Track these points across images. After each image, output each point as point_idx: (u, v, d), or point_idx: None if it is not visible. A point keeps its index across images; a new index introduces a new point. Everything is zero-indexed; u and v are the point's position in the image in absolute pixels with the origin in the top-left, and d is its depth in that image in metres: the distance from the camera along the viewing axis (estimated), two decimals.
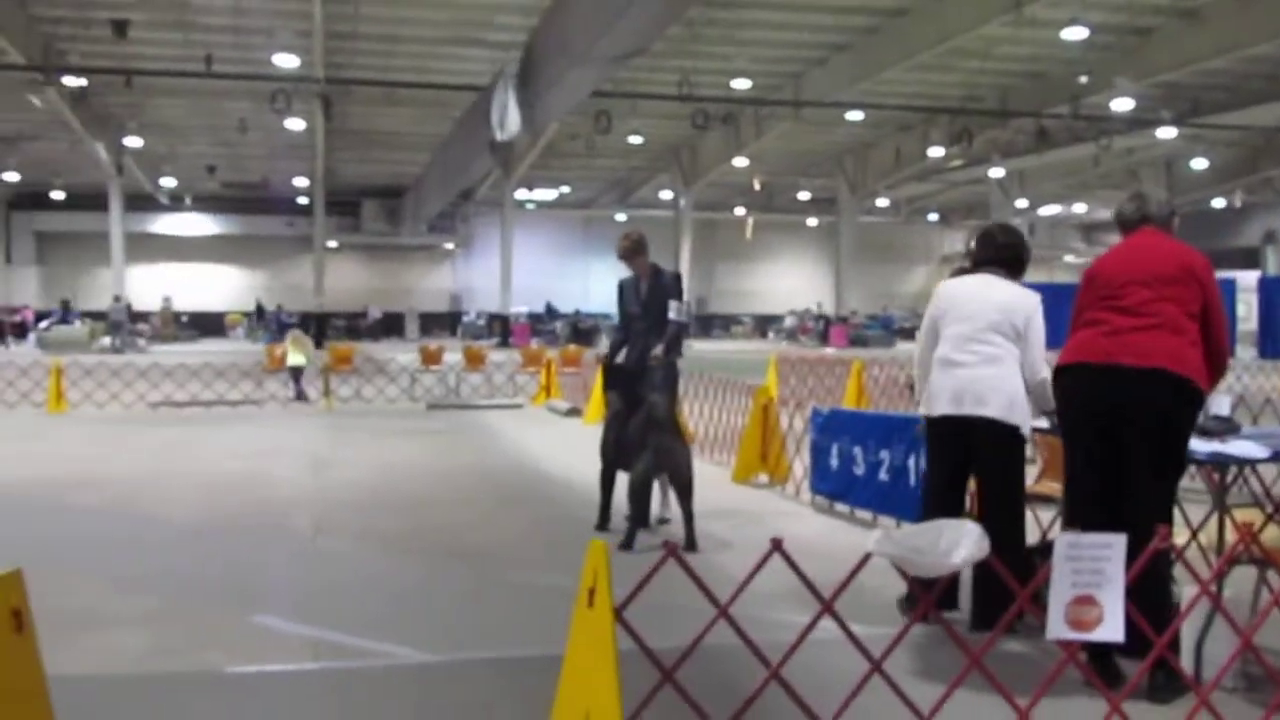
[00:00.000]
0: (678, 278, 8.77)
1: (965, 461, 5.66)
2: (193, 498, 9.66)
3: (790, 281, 60.14)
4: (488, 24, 27.53)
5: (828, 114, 35.06)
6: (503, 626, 5.85)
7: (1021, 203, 50.06)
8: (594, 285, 57.68)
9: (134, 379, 18.08)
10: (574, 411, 16.44)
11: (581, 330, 46.38)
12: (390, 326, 54.08)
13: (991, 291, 5.65)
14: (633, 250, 8.63)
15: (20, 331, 45.72)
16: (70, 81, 31.11)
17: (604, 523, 8.00)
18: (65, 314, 44.41)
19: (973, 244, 6.07)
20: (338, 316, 51.48)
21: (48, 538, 8.06)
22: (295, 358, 18.38)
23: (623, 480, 7.75)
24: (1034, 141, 34.79)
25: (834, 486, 8.64)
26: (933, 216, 60.74)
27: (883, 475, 7.83)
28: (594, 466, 8.28)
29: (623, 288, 8.82)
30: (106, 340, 37.07)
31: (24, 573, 3.25)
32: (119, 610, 6.09)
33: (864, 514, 8.23)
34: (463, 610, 6.21)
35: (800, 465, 9.45)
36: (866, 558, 3.67)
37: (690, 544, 7.27)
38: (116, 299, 40.61)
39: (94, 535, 8.21)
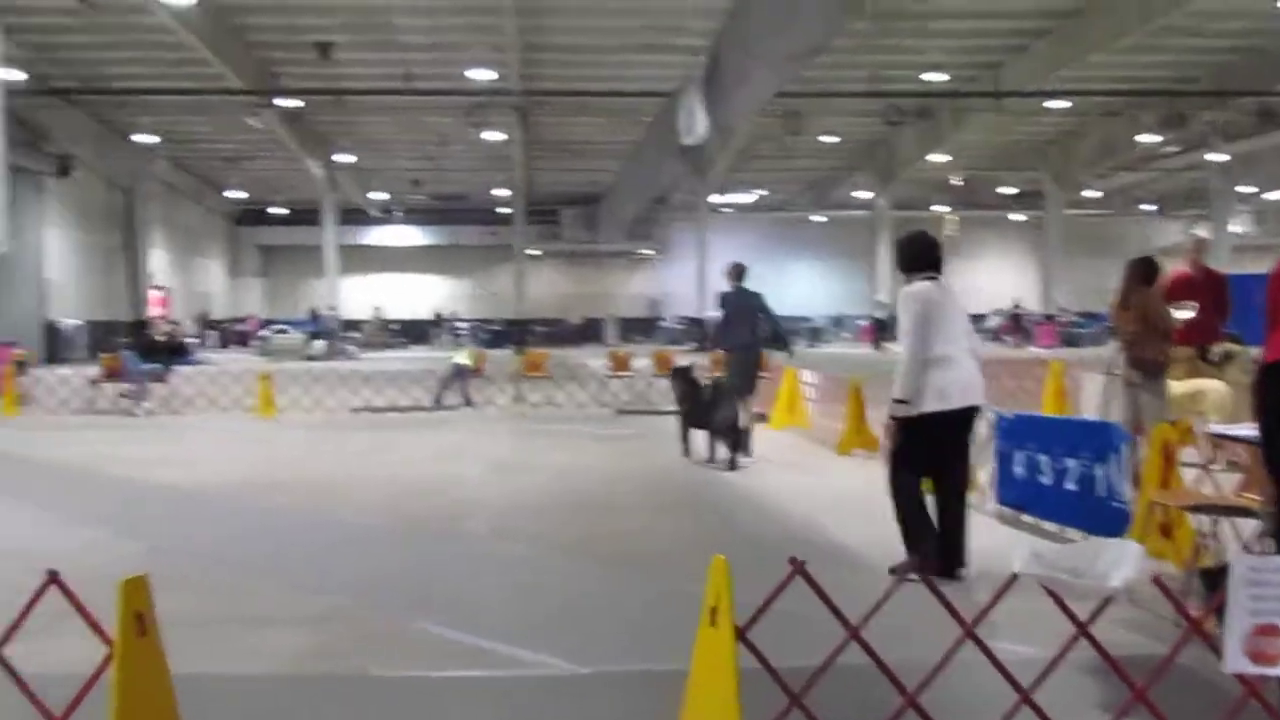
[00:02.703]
0: (721, 294, 12.70)
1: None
2: (379, 500, 9.91)
3: (995, 279, 58.19)
4: (677, 29, 27.61)
5: (1029, 104, 33.82)
6: (659, 637, 5.73)
7: (1246, 188, 47.09)
8: (791, 287, 57.14)
9: (336, 385, 18.78)
10: (760, 417, 16.21)
11: (776, 334, 45.87)
12: (590, 332, 54.88)
13: (953, 295, 6.72)
14: (727, 272, 12.75)
15: (243, 340, 48.36)
16: (284, 103, 32.70)
17: (686, 453, 12.09)
18: (316, 322, 45.82)
19: (904, 249, 6.91)
20: (538, 323, 52.56)
21: (238, 538, 8.41)
22: (460, 357, 19.05)
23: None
24: (1257, 122, 32.68)
25: (1019, 496, 8.19)
26: (1148, 206, 57.75)
27: (1069, 485, 7.39)
28: (773, 473, 9.88)
29: None
30: (316, 346, 38.73)
31: (149, 578, 3.31)
32: (290, 610, 6.25)
33: (1051, 526, 7.80)
34: (621, 620, 6.12)
35: (985, 474, 9.04)
36: (1013, 579, 3.40)
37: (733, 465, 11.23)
38: (331, 308, 42.40)
39: (281, 536, 8.50)
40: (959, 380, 6.47)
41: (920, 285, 6.66)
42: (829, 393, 13.95)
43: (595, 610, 6.32)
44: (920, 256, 6.78)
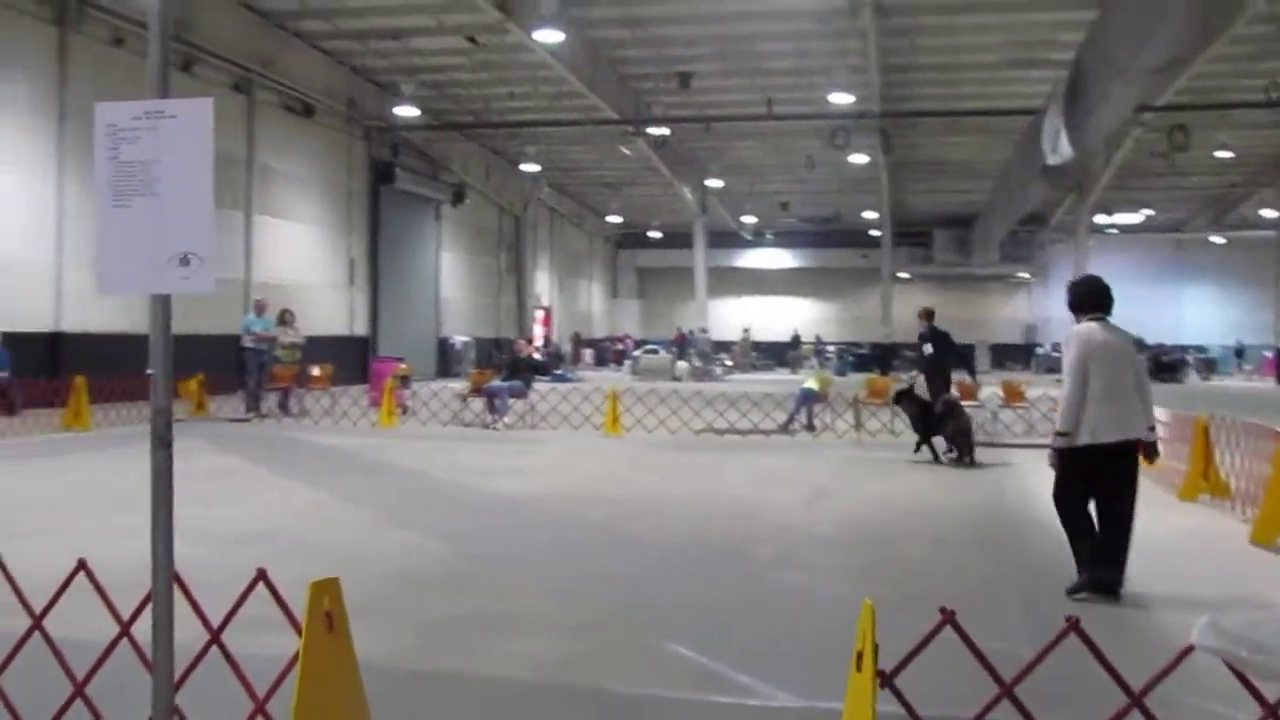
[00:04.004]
0: (923, 332, 16.08)
1: None
2: (682, 521, 10.18)
3: None
4: (1049, 43, 26.57)
5: None
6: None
7: None
8: (1187, 314, 53.37)
9: (684, 405, 19.35)
10: None
11: (1165, 364, 42.66)
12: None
13: (1119, 335, 7.17)
14: (920, 315, 16.61)
15: (619, 359, 50.67)
16: (654, 131, 34.11)
17: (935, 459, 14.48)
18: (686, 343, 47.34)
19: (1073, 292, 7.50)
20: (907, 347, 51.65)
21: (539, 546, 8.92)
22: (809, 382, 19.72)
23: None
24: None
25: None
26: None
27: None
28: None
29: None
30: (680, 367, 39.91)
31: (341, 580, 3.64)
32: (557, 619, 6.58)
33: None
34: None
35: None
36: (1187, 651, 3.13)
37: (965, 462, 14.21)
38: (703, 330, 43.61)
39: (578, 548, 8.93)
40: (1112, 415, 6.91)
41: (1084, 326, 7.17)
42: (1178, 431, 12.93)
43: (846, 646, 6.24)
44: (1087, 299, 7.31)
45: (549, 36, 24.36)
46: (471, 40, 27.08)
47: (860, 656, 3.31)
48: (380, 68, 30.55)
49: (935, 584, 7.72)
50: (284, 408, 20.59)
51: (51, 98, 20.54)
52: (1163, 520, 10.47)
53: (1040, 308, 56.35)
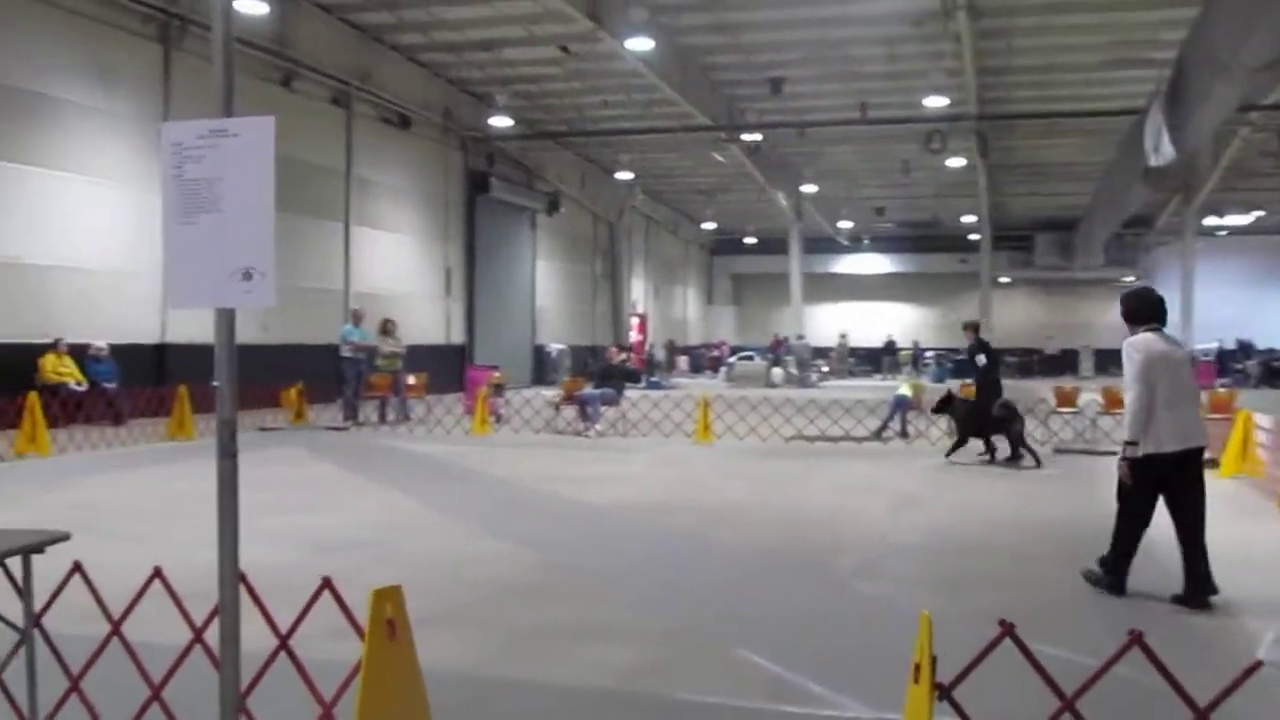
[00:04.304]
0: (970, 346, 16.22)
1: None
2: (768, 529, 10.14)
3: None
4: (1151, 41, 25.93)
5: None
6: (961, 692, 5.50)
7: None
8: None
9: (775, 413, 19.24)
10: (1212, 463, 14.80)
11: (1276, 370, 41.26)
12: (1065, 363, 52.37)
13: (1175, 345, 7.31)
14: (964, 327, 16.74)
15: (714, 365, 50.59)
16: (747, 137, 34.05)
17: (988, 456, 15.36)
18: (781, 348, 47.29)
19: (1128, 303, 7.54)
20: (1008, 353, 50.75)
21: (625, 554, 8.96)
22: (903, 389, 19.61)
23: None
24: None
25: None
26: None
27: None
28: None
29: None
30: (775, 374, 39.67)
31: (403, 588, 3.69)
32: (634, 627, 6.62)
33: None
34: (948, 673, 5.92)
35: None
36: (1255, 666, 3.04)
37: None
38: (800, 337, 43.33)
39: (665, 558, 8.92)
40: (1173, 424, 6.98)
41: (1142, 336, 7.21)
42: None
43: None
44: (1142, 310, 7.40)
45: (640, 45, 24.47)
46: (564, 50, 27.31)
47: (918, 669, 3.26)
48: (475, 79, 30.95)
49: (1015, 596, 7.58)
50: (385, 416, 20.95)
51: (155, 114, 21.14)
52: (1261, 530, 10.20)
53: None
